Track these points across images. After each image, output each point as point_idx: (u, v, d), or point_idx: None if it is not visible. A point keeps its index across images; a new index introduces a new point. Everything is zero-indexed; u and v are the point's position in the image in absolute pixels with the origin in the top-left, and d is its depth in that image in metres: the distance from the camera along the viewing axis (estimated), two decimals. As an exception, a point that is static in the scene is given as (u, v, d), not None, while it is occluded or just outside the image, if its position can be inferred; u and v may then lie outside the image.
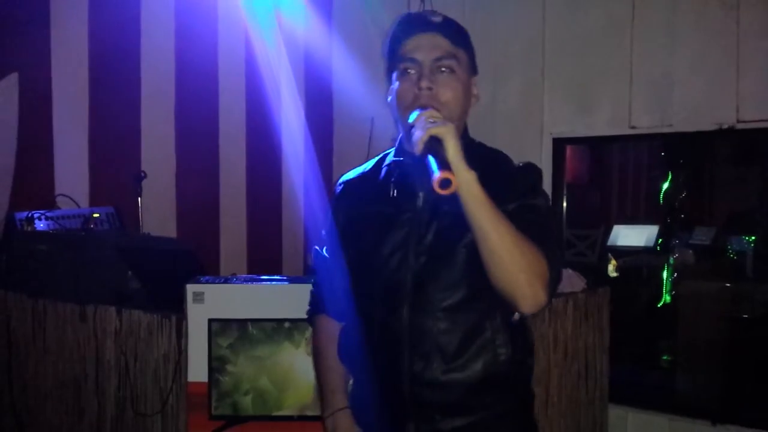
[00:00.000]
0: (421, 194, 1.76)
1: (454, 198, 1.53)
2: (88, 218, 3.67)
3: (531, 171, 1.81)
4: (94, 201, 4.15)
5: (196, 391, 2.84)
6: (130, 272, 3.21)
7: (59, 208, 3.84)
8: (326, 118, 5.49)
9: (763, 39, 4.12)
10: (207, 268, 3.82)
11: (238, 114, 5.03)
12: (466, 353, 1.72)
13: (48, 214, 3.62)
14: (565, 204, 4.86)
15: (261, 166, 5.18)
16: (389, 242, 1.76)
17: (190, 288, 2.83)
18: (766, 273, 4.96)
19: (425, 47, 1.73)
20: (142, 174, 3.99)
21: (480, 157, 1.68)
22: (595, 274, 4.33)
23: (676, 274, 5.43)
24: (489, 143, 1.91)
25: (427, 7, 4.89)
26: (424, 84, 1.69)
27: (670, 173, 6.02)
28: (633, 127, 4.51)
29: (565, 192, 4.85)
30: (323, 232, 2.00)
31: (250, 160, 5.11)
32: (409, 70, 1.74)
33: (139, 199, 3.94)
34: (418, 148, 1.55)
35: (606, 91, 4.62)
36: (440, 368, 1.71)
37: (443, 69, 1.73)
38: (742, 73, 4.15)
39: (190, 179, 4.71)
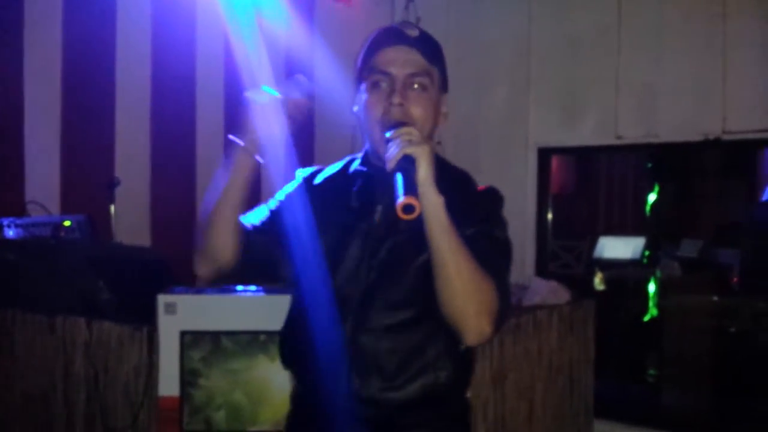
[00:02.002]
0: (379, 208, 1.74)
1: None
2: (58, 226, 3.56)
3: (492, 196, 1.79)
4: (66, 208, 4.04)
5: (168, 406, 2.78)
6: (101, 282, 3.14)
7: (29, 216, 3.74)
8: (307, 125, 5.42)
9: (750, 49, 4.12)
10: (182, 278, 3.73)
11: (217, 120, 4.94)
12: (405, 374, 1.70)
13: (17, 222, 3.54)
14: (550, 215, 4.83)
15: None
16: (341, 253, 1.74)
17: (162, 298, 2.77)
18: (753, 286, 4.94)
19: (399, 62, 1.70)
20: (116, 180, 3.88)
21: (444, 176, 1.66)
22: (580, 286, 4.29)
23: (662, 287, 5.40)
24: (473, 153, 1.87)
25: (412, 14, 4.85)
26: (396, 100, 1.67)
27: (656, 184, 5.99)
28: (619, 137, 4.49)
29: (550, 203, 4.81)
30: (281, 196, 1.95)
31: (228, 167, 5.01)
32: (380, 83, 1.71)
33: (112, 206, 3.83)
34: (390, 165, 1.53)
35: (592, 100, 4.60)
36: (377, 386, 1.70)
37: (416, 86, 1.71)
38: (729, 83, 4.14)
39: (165, 186, 4.60)
